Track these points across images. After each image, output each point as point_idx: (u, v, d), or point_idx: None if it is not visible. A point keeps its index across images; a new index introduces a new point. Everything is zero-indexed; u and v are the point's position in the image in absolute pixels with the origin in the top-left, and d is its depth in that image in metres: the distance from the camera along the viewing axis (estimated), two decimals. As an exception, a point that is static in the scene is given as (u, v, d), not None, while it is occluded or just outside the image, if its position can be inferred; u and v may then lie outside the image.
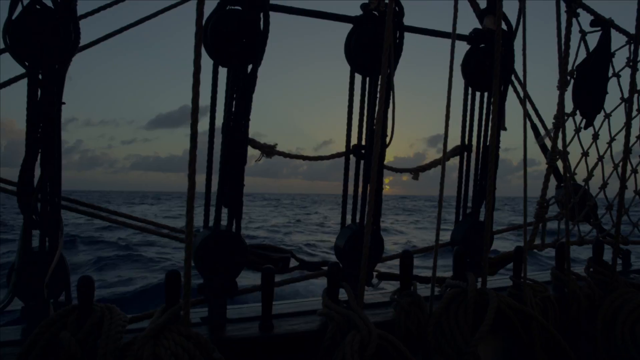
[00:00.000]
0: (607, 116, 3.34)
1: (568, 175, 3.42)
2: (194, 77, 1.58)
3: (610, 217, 3.41)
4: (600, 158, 3.40)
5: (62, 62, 1.94)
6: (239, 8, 1.91)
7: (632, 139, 3.47)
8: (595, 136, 3.36)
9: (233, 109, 1.92)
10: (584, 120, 3.34)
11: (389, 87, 2.16)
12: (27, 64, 1.89)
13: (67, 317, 1.66)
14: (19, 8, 1.89)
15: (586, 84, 3.22)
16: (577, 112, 3.29)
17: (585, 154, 3.37)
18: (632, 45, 3.05)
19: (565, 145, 2.79)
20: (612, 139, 3.39)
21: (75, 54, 2.00)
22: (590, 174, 3.40)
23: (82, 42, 2.05)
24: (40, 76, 1.92)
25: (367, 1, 2.20)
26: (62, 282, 1.97)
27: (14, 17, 1.86)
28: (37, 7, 1.89)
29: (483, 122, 2.56)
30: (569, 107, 3.26)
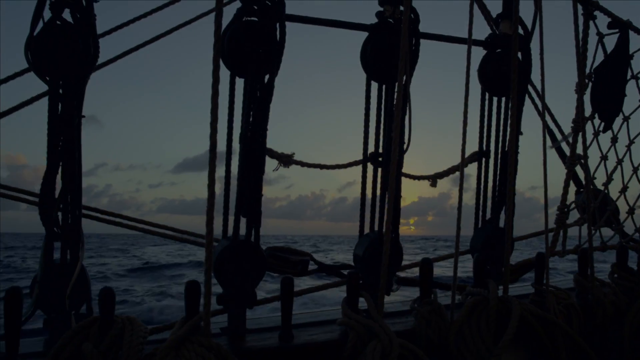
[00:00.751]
0: (626, 119, 3.28)
1: (588, 180, 3.37)
2: (213, 88, 1.59)
3: (632, 221, 3.35)
4: (620, 161, 3.33)
5: (82, 77, 1.97)
6: (255, 19, 1.93)
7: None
8: (614, 139, 3.30)
9: (250, 119, 1.93)
10: (602, 124, 3.29)
11: (405, 94, 2.15)
12: (48, 79, 1.93)
13: (89, 328, 1.67)
14: (40, 24, 1.92)
15: (605, 87, 3.18)
16: (596, 115, 3.25)
17: (604, 157, 3.31)
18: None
19: (585, 149, 2.74)
20: (632, 142, 3.33)
21: (94, 70, 2.03)
22: (609, 178, 3.34)
23: (102, 60, 2.08)
24: (60, 91, 1.96)
25: (382, 9, 2.21)
26: (83, 293, 1.99)
27: (35, 33, 1.89)
28: (58, 22, 1.92)
29: (501, 128, 2.53)
30: (587, 110, 3.22)
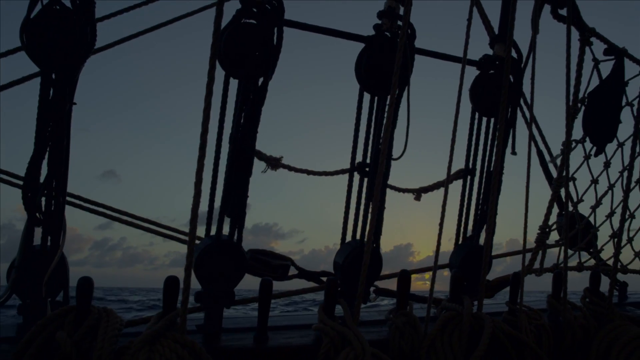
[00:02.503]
0: (620, 145, 3.32)
1: (572, 203, 3.42)
2: (207, 88, 1.60)
3: (613, 245, 3.40)
4: (611, 186, 3.37)
5: (76, 63, 1.97)
6: (254, 22, 1.94)
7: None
8: (607, 164, 3.34)
9: (242, 121, 1.94)
10: (594, 147, 3.34)
11: (397, 107, 2.18)
12: (41, 62, 1.92)
13: (65, 317, 1.66)
14: (38, 7, 1.92)
15: (597, 111, 3.22)
16: (587, 139, 3.29)
17: (594, 181, 3.35)
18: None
19: (567, 173, 2.79)
20: (625, 168, 3.38)
21: (90, 56, 2.03)
22: (598, 202, 3.38)
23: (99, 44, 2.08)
24: (53, 75, 1.95)
25: (380, 22, 2.23)
26: (61, 281, 1.98)
27: (32, 16, 1.89)
28: (56, 7, 1.91)
29: (488, 147, 2.58)
30: (578, 134, 3.27)
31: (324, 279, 2.41)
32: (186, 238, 1.82)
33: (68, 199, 2.13)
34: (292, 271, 2.38)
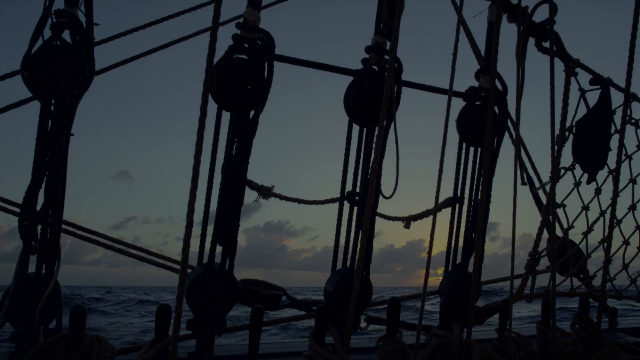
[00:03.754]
0: (611, 172, 3.37)
1: (563, 229, 3.46)
2: (200, 122, 1.66)
3: (606, 274, 3.43)
4: (603, 213, 3.41)
5: (75, 97, 2.03)
6: (245, 57, 2.02)
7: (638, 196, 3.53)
8: (598, 191, 3.40)
9: (233, 152, 2.00)
10: (584, 174, 3.39)
11: (385, 138, 2.24)
12: (41, 95, 1.98)
13: (57, 345, 1.69)
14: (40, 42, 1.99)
15: (586, 139, 3.29)
16: (576, 166, 3.35)
17: (585, 207, 3.40)
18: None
19: (553, 202, 2.84)
20: (617, 195, 3.42)
21: (88, 89, 2.09)
22: (590, 229, 3.42)
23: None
24: (52, 107, 2.01)
25: (367, 56, 2.31)
26: (55, 309, 2.01)
27: (33, 50, 1.95)
28: (57, 42, 1.98)
29: (475, 176, 2.63)
30: (568, 160, 3.34)
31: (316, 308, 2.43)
32: (178, 267, 1.85)
33: (64, 227, 2.17)
34: (285, 300, 2.41)
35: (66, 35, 2.02)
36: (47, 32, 1.99)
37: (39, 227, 2.03)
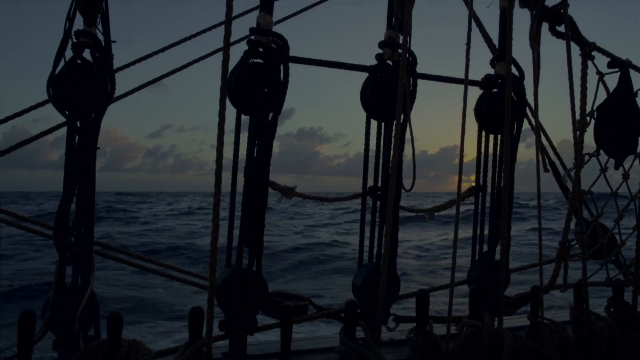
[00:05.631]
0: (638, 156, 3.31)
1: (580, 213, 3.39)
2: (219, 127, 1.71)
3: (637, 255, 3.35)
4: (634, 198, 3.35)
5: (99, 112, 2.11)
6: (261, 61, 2.06)
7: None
8: (626, 176, 3.33)
9: (255, 154, 2.04)
10: (610, 160, 3.32)
11: (403, 132, 2.26)
12: (67, 112, 2.06)
13: (97, 351, 1.76)
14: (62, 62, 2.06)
15: (610, 124, 3.23)
16: (601, 152, 3.29)
17: (614, 193, 3.34)
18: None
19: (579, 188, 2.80)
20: None
21: (111, 104, 2.17)
22: (621, 214, 3.36)
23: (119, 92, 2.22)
24: (78, 124, 2.08)
25: (381, 52, 2.33)
26: (92, 317, 2.08)
27: (56, 71, 2.03)
28: (78, 61, 2.06)
29: (497, 164, 2.62)
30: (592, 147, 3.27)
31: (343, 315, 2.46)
32: (205, 283, 1.91)
33: (96, 247, 2.24)
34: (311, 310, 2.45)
35: (86, 54, 2.10)
36: (67, 52, 2.07)
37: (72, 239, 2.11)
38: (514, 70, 2.51)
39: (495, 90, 2.58)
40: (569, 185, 3.51)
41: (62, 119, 2.09)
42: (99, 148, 2.15)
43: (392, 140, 2.16)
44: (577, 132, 2.98)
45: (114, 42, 2.15)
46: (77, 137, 2.08)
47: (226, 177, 1.88)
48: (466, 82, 2.23)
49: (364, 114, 2.37)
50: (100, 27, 2.13)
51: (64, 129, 2.11)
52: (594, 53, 3.18)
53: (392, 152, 2.15)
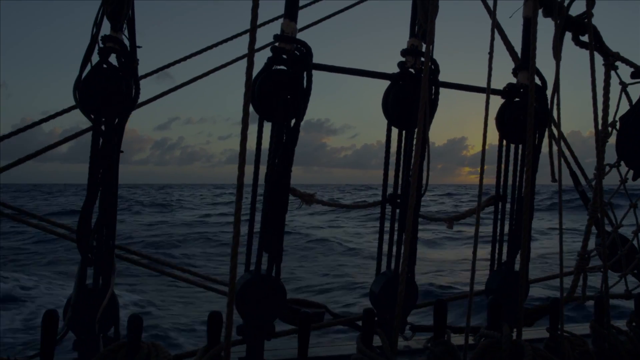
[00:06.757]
0: None
1: (602, 225, 3.34)
2: (242, 134, 1.72)
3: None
4: None
5: (123, 116, 2.14)
6: (284, 68, 2.07)
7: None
8: None
9: (276, 161, 2.05)
10: (629, 171, 3.28)
11: (424, 140, 2.25)
12: (92, 117, 2.10)
13: (117, 352, 1.78)
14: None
15: (632, 135, 3.19)
16: (622, 163, 3.25)
17: (633, 205, 3.29)
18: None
19: (601, 198, 2.76)
20: None
21: (135, 109, 2.20)
22: None
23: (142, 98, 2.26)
24: (103, 127, 2.12)
25: (404, 60, 2.33)
26: (112, 318, 2.10)
27: (83, 76, 2.07)
28: (104, 66, 2.10)
29: (518, 174, 2.60)
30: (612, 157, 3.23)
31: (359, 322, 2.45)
32: (225, 288, 1.92)
33: (117, 252, 2.27)
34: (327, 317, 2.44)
35: (112, 58, 2.13)
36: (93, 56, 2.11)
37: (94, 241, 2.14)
38: (536, 80, 2.50)
39: (517, 99, 2.56)
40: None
41: (65, 118, 2.13)
42: (122, 152, 2.18)
43: (414, 148, 2.15)
44: (600, 143, 2.94)
45: (139, 47, 2.19)
46: (100, 141, 2.12)
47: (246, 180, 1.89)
48: (488, 90, 2.22)
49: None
50: (126, 32, 2.16)
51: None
52: (617, 63, 3.15)
53: (412, 160, 2.14)
